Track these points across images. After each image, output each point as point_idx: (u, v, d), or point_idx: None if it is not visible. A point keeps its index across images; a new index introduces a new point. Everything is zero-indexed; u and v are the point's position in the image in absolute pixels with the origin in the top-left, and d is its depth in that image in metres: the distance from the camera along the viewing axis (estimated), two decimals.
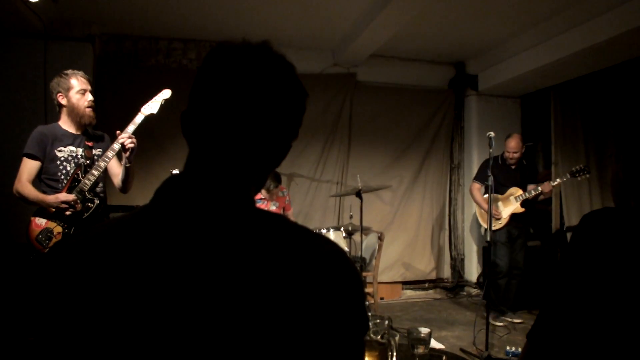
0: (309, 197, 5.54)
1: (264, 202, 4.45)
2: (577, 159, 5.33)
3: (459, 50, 5.62)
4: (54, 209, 2.57)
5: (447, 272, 6.06)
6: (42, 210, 2.59)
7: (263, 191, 4.35)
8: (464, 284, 6.05)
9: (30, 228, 2.57)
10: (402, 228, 5.87)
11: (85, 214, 2.64)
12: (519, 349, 3.62)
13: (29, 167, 2.61)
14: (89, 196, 2.65)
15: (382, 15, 4.14)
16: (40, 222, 2.58)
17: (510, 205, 4.67)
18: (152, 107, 2.74)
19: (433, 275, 5.94)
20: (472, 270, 5.79)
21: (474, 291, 5.76)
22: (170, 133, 4.69)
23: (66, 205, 2.55)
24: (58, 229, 2.59)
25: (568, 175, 4.37)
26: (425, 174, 5.96)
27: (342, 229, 4.36)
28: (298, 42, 5.20)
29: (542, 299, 1.18)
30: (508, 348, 3.69)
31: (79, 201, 2.60)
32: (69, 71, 2.70)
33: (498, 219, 4.67)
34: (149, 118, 2.74)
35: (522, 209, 4.60)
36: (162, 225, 0.66)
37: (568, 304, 1.09)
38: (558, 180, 4.47)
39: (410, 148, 5.91)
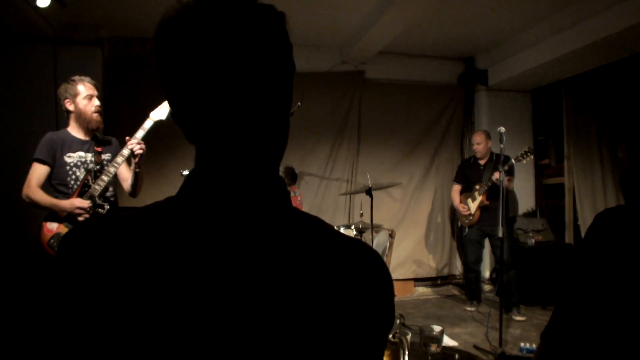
0: (319, 195, 5.54)
1: None
2: (590, 153, 5.26)
3: (468, 45, 5.57)
4: (65, 214, 2.59)
5: (459, 269, 6.02)
6: (54, 215, 2.61)
7: None
8: None
9: (42, 233, 2.59)
10: (413, 225, 5.85)
11: None
12: (533, 346, 3.58)
13: (39, 172, 2.62)
14: (99, 201, 2.66)
15: (390, 11, 4.11)
16: (52, 226, 2.59)
17: (476, 200, 4.82)
18: (160, 112, 2.73)
19: (445, 272, 5.92)
20: (485, 266, 5.74)
21: (487, 287, 5.72)
22: (180, 135, 4.67)
23: (81, 211, 2.57)
24: None
25: (514, 161, 4.33)
26: (435, 170, 5.93)
27: (352, 226, 4.33)
28: (305, 40, 5.18)
29: (556, 299, 1.16)
30: (522, 344, 3.66)
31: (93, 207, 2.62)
32: (76, 77, 2.71)
33: (468, 215, 4.88)
34: (158, 123, 2.74)
35: (487, 202, 4.71)
36: (191, 221, 0.63)
37: (582, 305, 1.07)
38: (507, 167, 4.15)
39: (420, 144, 5.88)
